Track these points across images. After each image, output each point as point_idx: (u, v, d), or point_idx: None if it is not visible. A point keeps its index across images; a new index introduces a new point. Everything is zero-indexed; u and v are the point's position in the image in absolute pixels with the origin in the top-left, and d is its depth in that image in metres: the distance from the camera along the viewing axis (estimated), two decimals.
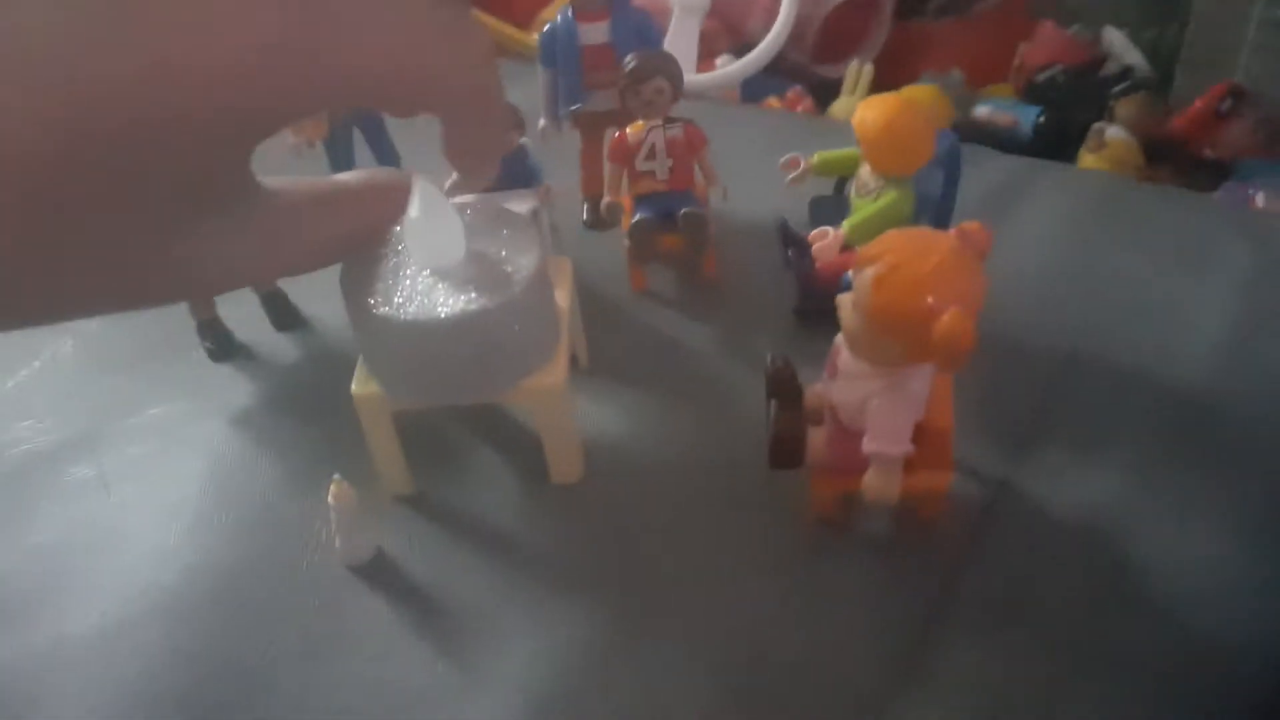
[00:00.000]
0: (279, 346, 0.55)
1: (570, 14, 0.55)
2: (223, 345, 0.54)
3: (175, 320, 0.55)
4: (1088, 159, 0.97)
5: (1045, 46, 1.10)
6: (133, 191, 0.24)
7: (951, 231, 0.35)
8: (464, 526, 0.44)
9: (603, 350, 0.52)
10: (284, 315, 0.56)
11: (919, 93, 1.02)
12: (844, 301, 0.37)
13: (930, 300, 0.33)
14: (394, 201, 0.37)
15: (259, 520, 0.45)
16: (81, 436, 0.50)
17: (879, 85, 1.03)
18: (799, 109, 1.00)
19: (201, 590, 0.42)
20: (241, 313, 0.56)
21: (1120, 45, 1.10)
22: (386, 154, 0.62)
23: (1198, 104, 0.98)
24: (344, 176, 0.36)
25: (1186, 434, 0.44)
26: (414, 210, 0.40)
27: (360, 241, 0.36)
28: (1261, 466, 0.43)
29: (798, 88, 1.02)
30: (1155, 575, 0.39)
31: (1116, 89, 1.03)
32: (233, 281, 0.32)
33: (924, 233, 0.35)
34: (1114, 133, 0.98)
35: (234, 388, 0.52)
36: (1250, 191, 0.91)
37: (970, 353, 0.33)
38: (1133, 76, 1.06)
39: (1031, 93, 1.07)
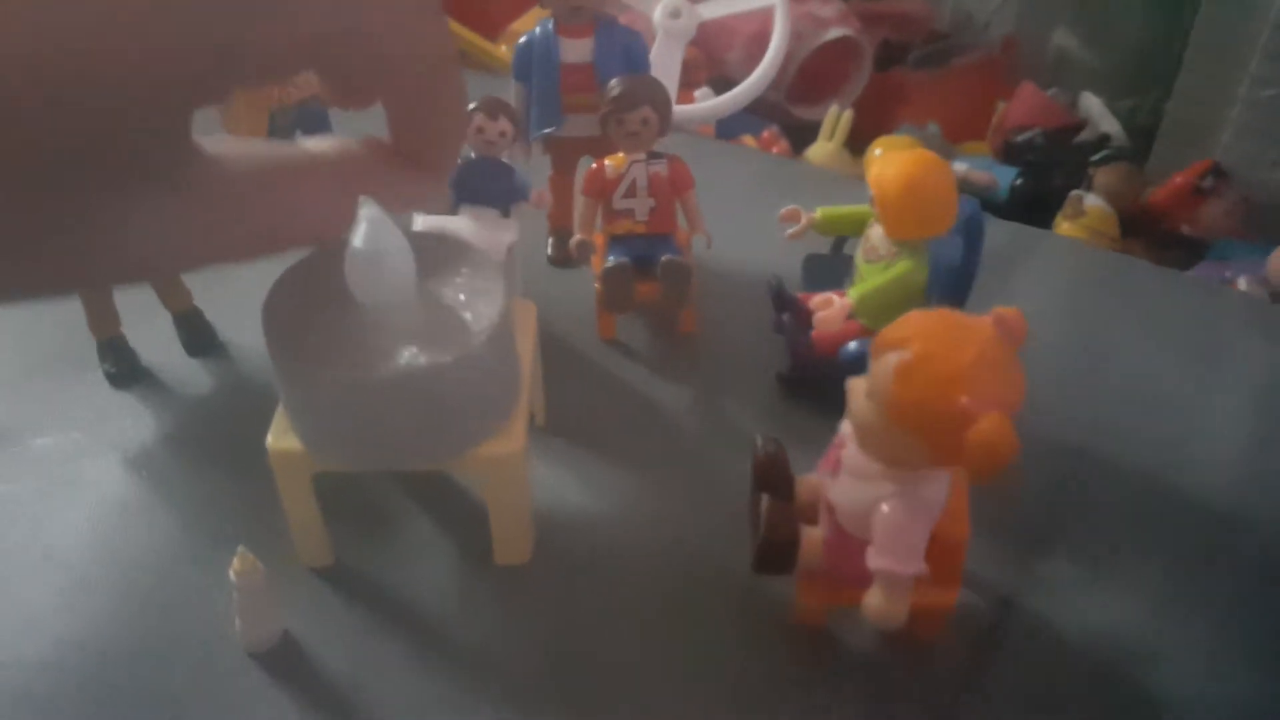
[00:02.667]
0: (190, 374, 0.48)
1: (551, 26, 0.50)
2: (125, 369, 0.47)
3: (74, 333, 0.48)
4: (1064, 226, 0.94)
5: (1024, 107, 1.08)
6: (41, 154, 0.20)
7: (988, 318, 0.30)
8: (389, 609, 0.38)
9: (563, 406, 0.46)
10: (199, 337, 0.49)
11: (897, 142, 0.99)
12: (856, 388, 0.32)
13: (965, 401, 0.28)
14: (371, 182, 0.30)
15: (148, 586, 0.38)
16: None
17: (856, 133, 0.99)
18: (774, 150, 0.96)
19: (71, 671, 0.35)
20: (150, 332, 0.49)
21: (1097, 112, 1.09)
22: None
23: (1177, 179, 0.97)
24: (316, 146, 0.29)
25: (1206, 546, 0.40)
26: (357, 239, 0.34)
27: (320, 232, 0.29)
28: None
29: (774, 128, 0.99)
30: (1174, 715, 0.35)
31: (1097, 157, 1.01)
32: (162, 263, 0.27)
33: (958, 318, 0.30)
34: (1093, 201, 0.95)
35: (134, 420, 0.45)
36: (1226, 275, 0.89)
37: (1009, 464, 0.28)
38: (1110, 145, 1.04)
39: (1009, 152, 1.04)
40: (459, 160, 0.47)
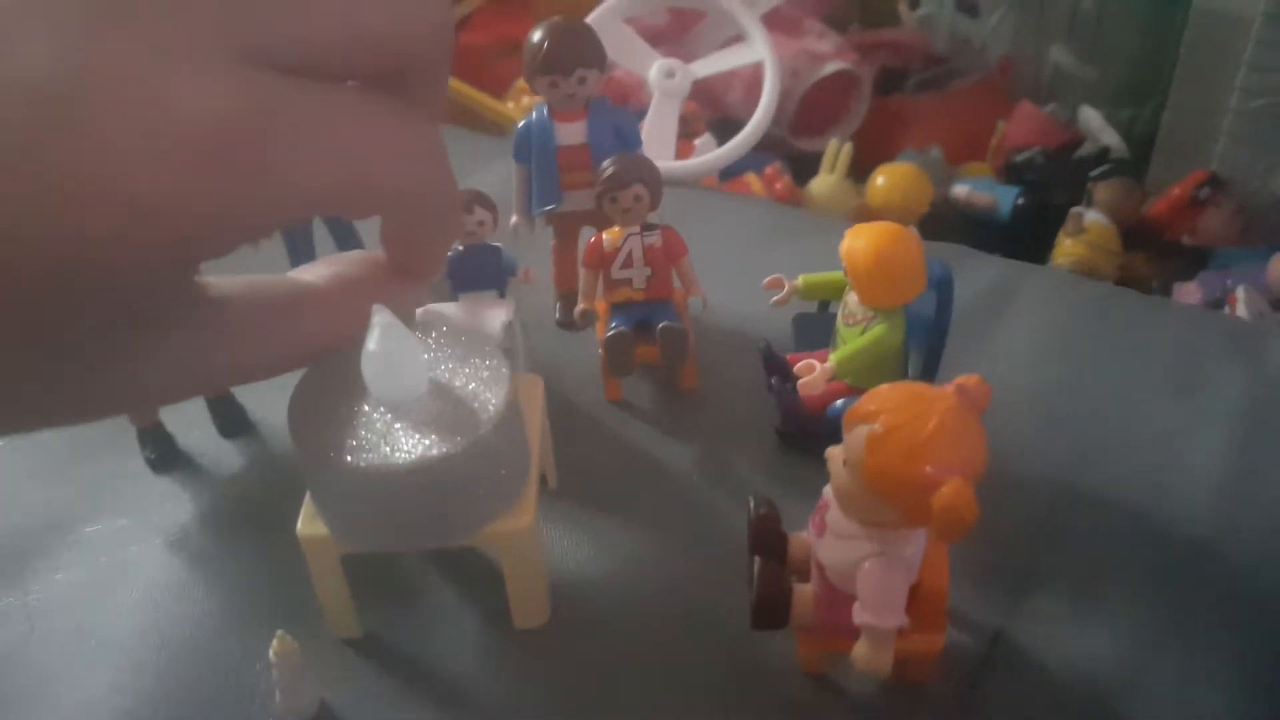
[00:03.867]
0: (224, 455, 0.51)
1: (546, 112, 0.53)
2: (164, 454, 0.50)
3: (115, 421, 0.51)
4: (1066, 243, 0.96)
5: (1024, 126, 1.10)
6: (55, 321, 0.21)
7: (949, 388, 0.33)
8: (415, 675, 0.40)
9: (573, 467, 0.49)
10: (231, 420, 0.52)
11: (899, 170, 1.01)
12: (834, 456, 0.35)
13: (929, 469, 0.31)
14: (364, 300, 0.32)
15: (194, 663, 0.41)
16: (4, 556, 0.46)
17: (859, 161, 1.02)
18: (777, 185, 0.99)
19: None
20: (187, 415, 0.52)
21: (1096, 125, 1.10)
22: (347, 239, 0.59)
23: (1175, 190, 0.98)
24: (308, 275, 0.31)
25: (1189, 579, 0.42)
26: (372, 343, 0.37)
27: (325, 348, 0.31)
28: (1273, 618, 0.40)
29: (776, 164, 1.01)
30: None
31: (1095, 172, 1.02)
32: (177, 395, 0.28)
33: (921, 390, 0.33)
34: (1093, 217, 0.97)
35: (174, 504, 0.49)
36: (1227, 282, 0.90)
37: (971, 526, 0.31)
38: (1110, 158, 1.06)
39: (1010, 172, 1.06)
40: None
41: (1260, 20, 0.89)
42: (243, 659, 0.41)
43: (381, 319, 0.36)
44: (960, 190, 1.04)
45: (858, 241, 0.41)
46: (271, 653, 0.37)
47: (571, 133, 0.52)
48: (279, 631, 0.37)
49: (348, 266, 0.31)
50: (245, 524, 0.47)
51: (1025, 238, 1.00)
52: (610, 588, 0.43)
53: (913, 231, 0.41)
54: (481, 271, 0.50)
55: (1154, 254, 0.98)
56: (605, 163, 0.49)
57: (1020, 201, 1.01)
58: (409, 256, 0.31)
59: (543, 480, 0.46)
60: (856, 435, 0.33)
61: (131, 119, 0.19)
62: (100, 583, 0.45)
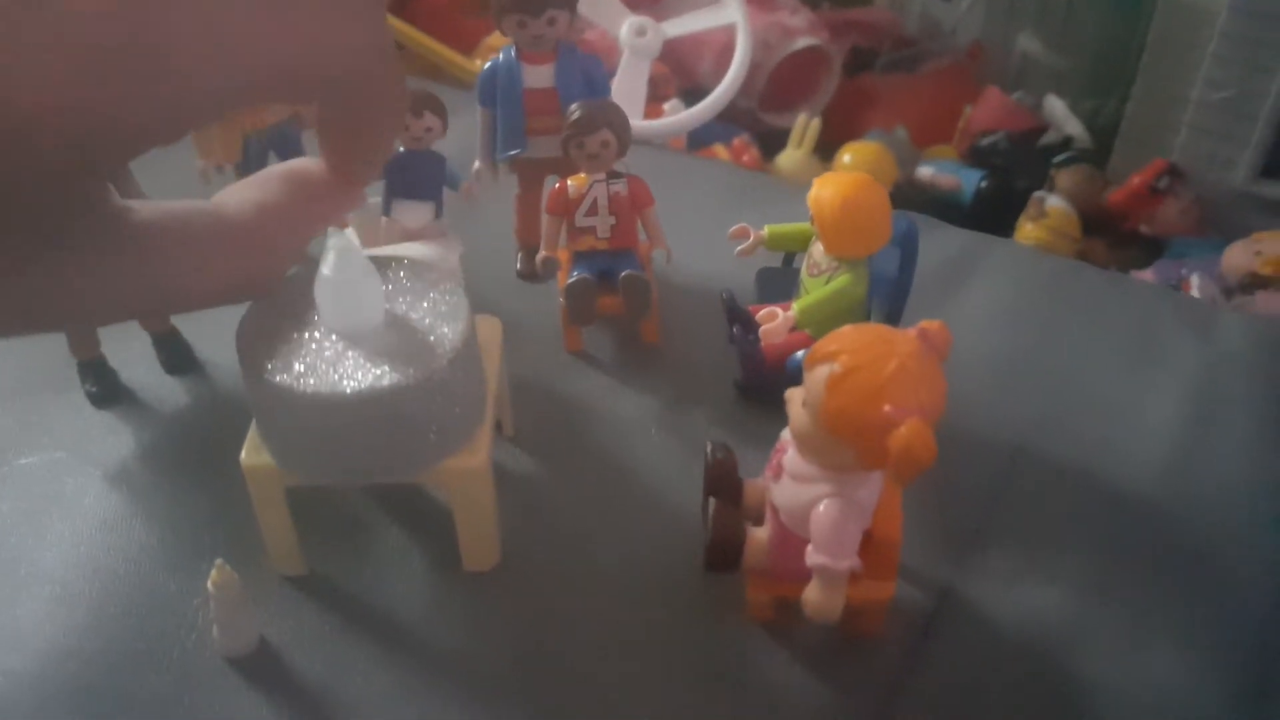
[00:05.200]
0: (168, 391, 0.50)
1: (514, 54, 0.52)
2: (106, 389, 0.49)
3: (55, 354, 0.49)
4: (1027, 227, 0.97)
5: (990, 111, 1.11)
6: None
7: (912, 331, 0.33)
8: (360, 615, 0.40)
9: (529, 415, 0.48)
10: (177, 357, 0.51)
11: (865, 148, 1.01)
12: (793, 398, 0.34)
13: (888, 409, 0.31)
14: (289, 230, 0.29)
15: (130, 597, 0.40)
16: None
17: (826, 139, 1.02)
18: (745, 158, 0.98)
19: (55, 681, 0.37)
20: (130, 350, 0.50)
21: (1061, 114, 1.11)
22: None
23: (1135, 180, 0.99)
24: (231, 203, 0.28)
25: (1137, 541, 0.42)
26: (327, 268, 0.36)
27: (251, 284, 0.29)
28: (1215, 579, 0.41)
29: (744, 136, 1.01)
30: (1104, 699, 0.37)
31: (1058, 159, 1.03)
32: (100, 318, 0.28)
33: (883, 332, 0.33)
34: (1054, 202, 0.98)
35: (114, 438, 0.47)
36: (1182, 271, 0.92)
37: (928, 467, 0.30)
38: (1073, 146, 1.07)
39: (975, 156, 1.07)
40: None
41: (1225, 13, 0.90)
42: (180, 593, 0.40)
43: (337, 243, 0.35)
44: (925, 172, 1.05)
45: (825, 189, 0.40)
46: (210, 583, 0.36)
47: (539, 76, 0.51)
48: (218, 561, 0.36)
49: (272, 191, 0.29)
50: (188, 460, 0.46)
51: (987, 221, 1.01)
52: (562, 533, 0.43)
53: (879, 183, 0.40)
54: (420, 180, 0.48)
55: (1112, 241, 0.99)
56: (572, 107, 0.48)
57: (983, 185, 1.02)
58: (344, 155, 0.28)
59: (498, 427, 0.45)
60: (817, 375, 0.32)
61: (11, 23, 0.18)
62: (33, 515, 0.44)
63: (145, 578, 0.41)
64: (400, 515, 0.43)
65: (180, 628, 0.39)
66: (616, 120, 0.48)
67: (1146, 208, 0.99)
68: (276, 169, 0.29)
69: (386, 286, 0.38)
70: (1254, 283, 0.89)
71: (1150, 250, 0.98)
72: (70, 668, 0.38)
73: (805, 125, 1.01)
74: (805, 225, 0.43)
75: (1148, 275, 0.92)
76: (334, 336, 0.36)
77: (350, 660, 0.38)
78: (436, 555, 0.41)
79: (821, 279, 0.42)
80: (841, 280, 0.41)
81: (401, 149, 0.48)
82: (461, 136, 0.54)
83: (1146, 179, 0.98)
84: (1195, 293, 0.86)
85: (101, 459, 0.46)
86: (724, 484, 0.37)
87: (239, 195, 0.29)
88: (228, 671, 0.38)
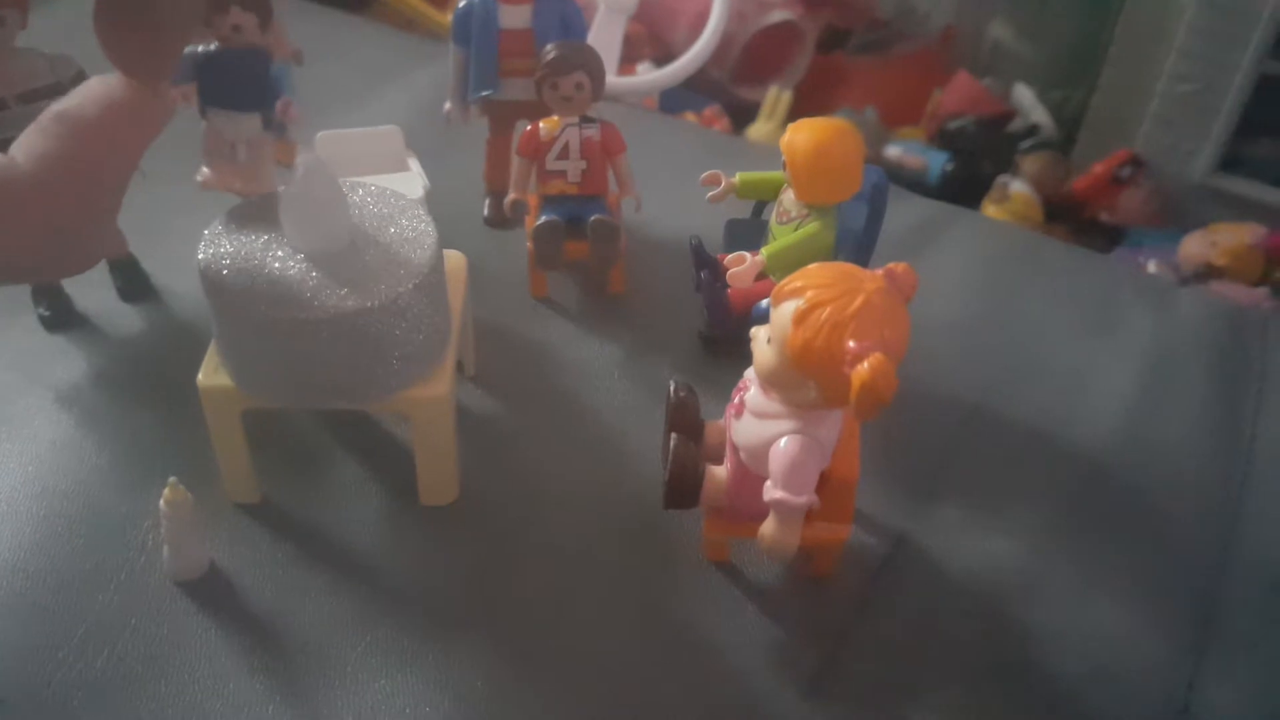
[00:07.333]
0: (123, 318, 0.49)
1: None
2: (59, 313, 0.48)
3: None
4: (990, 209, 0.98)
5: (959, 95, 1.12)
6: None
7: (879, 271, 0.33)
8: (313, 545, 0.39)
9: (492, 358, 0.48)
10: (133, 284, 0.50)
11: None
12: (758, 335, 0.34)
13: (852, 344, 0.31)
14: (72, 173, 0.27)
15: (78, 516, 0.39)
16: None
17: (796, 114, 1.02)
18: (716, 127, 0.98)
19: (2, 594, 0.36)
20: (85, 278, 0.49)
21: (1028, 102, 1.12)
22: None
23: (1097, 168, 1.01)
24: (19, 155, 0.26)
25: (1086, 499, 0.43)
26: (295, 185, 0.35)
27: (89, 240, 0.28)
28: (1157, 538, 0.42)
29: (715, 106, 1.01)
30: (1051, 646, 0.38)
31: (1024, 145, 1.05)
32: None
33: (850, 270, 0.33)
34: (1018, 187, 0.99)
35: (66, 362, 0.46)
36: (1141, 259, 0.94)
37: (889, 403, 0.31)
38: (1039, 134, 1.08)
39: (942, 138, 1.08)
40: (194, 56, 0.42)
41: (1194, 7, 0.92)
42: (130, 516, 0.39)
43: (305, 160, 0.35)
44: (893, 152, 1.06)
45: (799, 134, 0.41)
46: (162, 501, 0.35)
47: (516, 15, 0.51)
48: (171, 479, 0.36)
49: (52, 133, 0.27)
50: (142, 386, 0.45)
51: (952, 202, 1.02)
52: (520, 473, 0.43)
53: (854, 130, 0.41)
54: (240, 85, 0.43)
55: (1073, 228, 1.01)
56: (547, 47, 0.48)
57: (949, 167, 1.03)
58: (127, 49, 0.27)
59: (460, 366, 0.45)
60: (783, 311, 0.32)
61: None
62: None
63: (94, 499, 0.40)
64: (358, 449, 0.43)
65: (129, 549, 0.38)
66: (592, 63, 0.48)
67: (1108, 196, 1.00)
68: (51, 108, 0.27)
69: (354, 211, 0.38)
70: (1209, 273, 0.91)
71: (1110, 238, 1.00)
72: (15, 584, 0.37)
73: (776, 97, 1.01)
74: (777, 174, 0.43)
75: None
76: (299, 257, 0.36)
77: (302, 588, 0.38)
78: (394, 489, 0.41)
79: (790, 226, 0.42)
80: (811, 228, 0.42)
81: (210, 46, 0.42)
82: (434, 82, 0.53)
83: (1109, 167, 1.00)
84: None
85: (53, 382, 0.45)
86: (685, 422, 0.38)
87: (31, 142, 0.27)
88: (176, 595, 0.37)
